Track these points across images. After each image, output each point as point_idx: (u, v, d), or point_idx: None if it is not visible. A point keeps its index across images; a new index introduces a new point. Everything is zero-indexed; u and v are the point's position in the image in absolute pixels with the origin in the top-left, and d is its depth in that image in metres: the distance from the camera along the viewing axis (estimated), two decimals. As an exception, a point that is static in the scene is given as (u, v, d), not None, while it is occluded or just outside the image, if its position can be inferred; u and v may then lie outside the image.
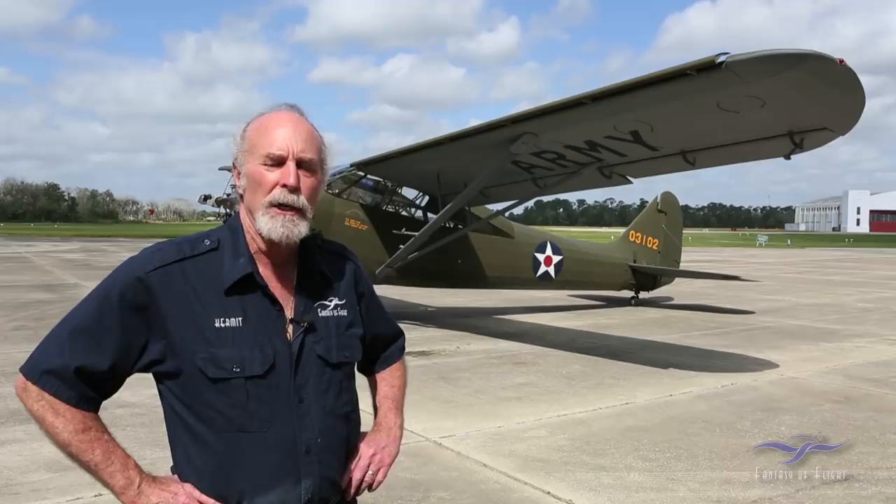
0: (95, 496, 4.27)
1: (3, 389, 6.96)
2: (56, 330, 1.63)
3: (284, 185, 1.63)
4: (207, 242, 1.68)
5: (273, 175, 1.64)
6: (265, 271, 1.69)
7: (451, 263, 12.66)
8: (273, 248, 1.69)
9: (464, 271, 13.01)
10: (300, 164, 1.65)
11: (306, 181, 1.66)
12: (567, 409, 6.64)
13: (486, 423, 6.14)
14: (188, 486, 1.60)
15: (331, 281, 1.77)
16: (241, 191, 1.72)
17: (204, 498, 1.59)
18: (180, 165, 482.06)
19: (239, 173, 1.71)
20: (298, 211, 1.65)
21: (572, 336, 11.12)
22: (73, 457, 1.57)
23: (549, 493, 4.54)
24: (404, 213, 13.16)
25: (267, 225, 1.63)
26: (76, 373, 1.57)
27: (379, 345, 1.96)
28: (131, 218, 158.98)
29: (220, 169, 13.56)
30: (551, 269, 14.07)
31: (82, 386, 1.58)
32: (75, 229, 72.27)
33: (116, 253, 32.68)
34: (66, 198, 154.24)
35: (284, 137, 1.64)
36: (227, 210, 12.17)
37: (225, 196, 12.47)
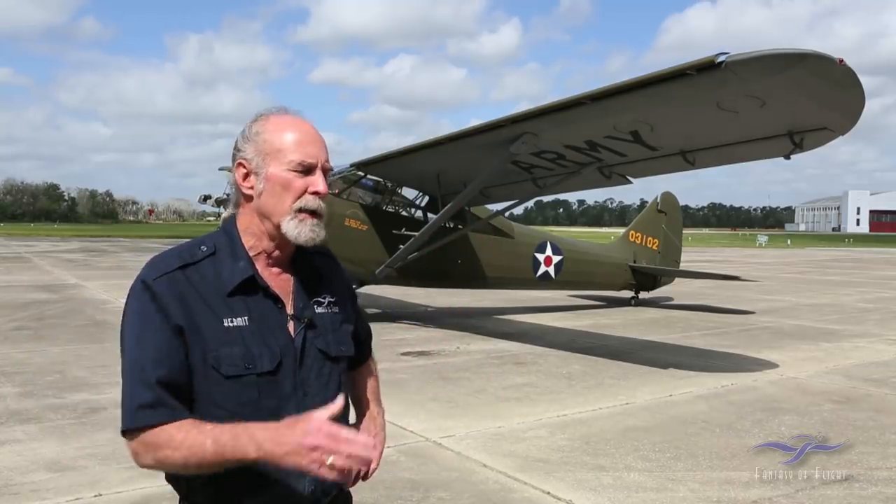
0: (95, 496, 4.28)
1: (3, 389, 6.97)
2: (126, 378, 1.60)
3: (315, 192, 1.69)
4: (204, 248, 1.71)
5: (301, 182, 1.69)
6: (264, 271, 1.73)
7: (450, 263, 12.66)
8: (282, 250, 1.74)
9: (464, 271, 13.01)
10: (323, 172, 1.72)
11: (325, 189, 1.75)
12: (567, 409, 6.64)
13: (486, 423, 6.14)
14: (317, 419, 1.49)
15: (323, 279, 1.83)
16: (250, 192, 1.71)
17: (329, 426, 1.49)
18: (181, 165, 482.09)
19: (248, 174, 1.71)
20: (322, 217, 1.72)
21: (572, 336, 11.12)
22: (206, 465, 1.52)
23: (548, 493, 4.54)
24: (404, 213, 13.16)
25: (295, 229, 1.68)
26: (163, 392, 1.56)
27: (361, 342, 2.02)
28: (131, 218, 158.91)
29: (220, 169, 13.58)
30: (551, 269, 14.07)
31: (172, 401, 1.57)
32: (75, 229, 72.28)
33: (116, 253, 32.69)
34: (66, 198, 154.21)
35: (314, 145, 1.71)
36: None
37: (225, 196, 12.47)
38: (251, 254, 1.72)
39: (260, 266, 1.72)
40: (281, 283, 1.74)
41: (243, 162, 1.71)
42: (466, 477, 4.82)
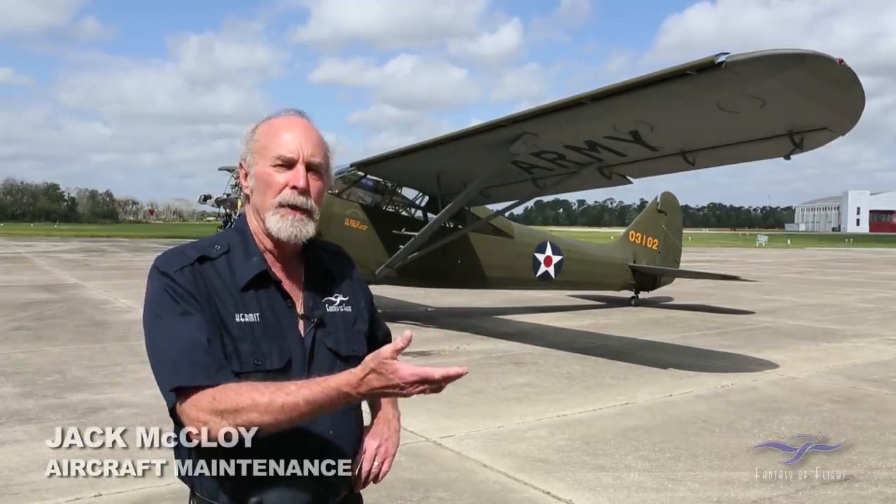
0: (95, 496, 4.28)
1: (3, 389, 6.96)
2: (166, 347, 1.59)
3: (294, 187, 1.68)
4: (219, 247, 1.73)
5: (283, 176, 1.69)
6: (275, 269, 1.74)
7: (450, 264, 12.66)
8: (280, 248, 1.74)
9: (463, 271, 13.01)
10: (309, 167, 1.71)
11: (314, 184, 1.72)
12: (567, 409, 6.64)
13: (485, 423, 6.14)
14: (404, 366, 1.51)
15: (335, 278, 1.84)
16: (248, 191, 1.77)
17: (422, 371, 1.51)
18: (181, 165, 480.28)
19: (247, 174, 1.76)
20: (307, 212, 1.71)
21: (572, 336, 11.12)
22: (297, 422, 1.53)
23: (548, 493, 4.54)
24: (404, 213, 13.16)
25: (276, 224, 1.69)
26: (218, 352, 1.57)
27: (375, 344, 1.99)
28: (131, 218, 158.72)
29: (219, 169, 13.63)
30: (551, 270, 14.07)
31: (214, 357, 1.57)
32: (75, 229, 72.25)
33: (116, 253, 32.69)
34: (66, 198, 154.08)
35: (295, 141, 1.70)
36: (227, 210, 12.20)
37: (224, 196, 12.52)
38: (260, 250, 1.75)
39: (270, 263, 1.74)
40: (291, 281, 1.76)
41: (242, 163, 1.77)
42: (466, 477, 4.82)
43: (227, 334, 1.63)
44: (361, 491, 1.88)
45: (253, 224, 1.76)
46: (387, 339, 2.07)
